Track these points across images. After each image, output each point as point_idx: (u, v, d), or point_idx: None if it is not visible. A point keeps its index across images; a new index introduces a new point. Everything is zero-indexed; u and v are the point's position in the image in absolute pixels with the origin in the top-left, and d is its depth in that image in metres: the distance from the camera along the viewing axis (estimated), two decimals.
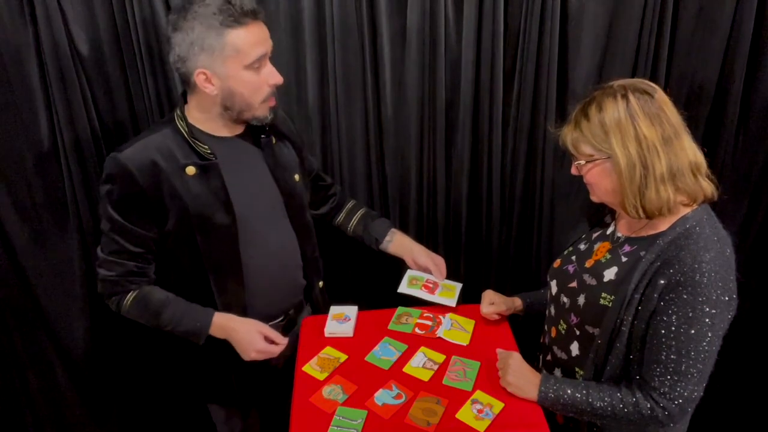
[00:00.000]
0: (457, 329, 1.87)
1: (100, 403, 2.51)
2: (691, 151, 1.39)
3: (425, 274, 1.96)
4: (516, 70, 2.20)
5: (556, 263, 1.71)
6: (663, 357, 1.37)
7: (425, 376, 1.69)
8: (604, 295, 1.48)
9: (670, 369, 1.37)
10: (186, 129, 1.66)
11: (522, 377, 1.56)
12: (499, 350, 1.69)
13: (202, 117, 1.68)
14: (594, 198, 1.53)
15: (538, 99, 2.23)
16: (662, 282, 1.37)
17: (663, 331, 1.37)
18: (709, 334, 1.35)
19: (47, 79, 1.99)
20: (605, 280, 1.50)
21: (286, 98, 2.18)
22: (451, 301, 1.88)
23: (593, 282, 1.53)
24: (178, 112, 1.69)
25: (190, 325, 1.74)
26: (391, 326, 1.90)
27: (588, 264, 1.58)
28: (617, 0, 2.07)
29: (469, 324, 1.89)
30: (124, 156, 1.60)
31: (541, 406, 1.53)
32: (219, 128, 1.71)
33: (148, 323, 1.76)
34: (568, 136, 1.45)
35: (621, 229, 1.57)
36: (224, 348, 1.79)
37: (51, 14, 1.90)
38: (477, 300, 1.96)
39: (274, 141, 1.82)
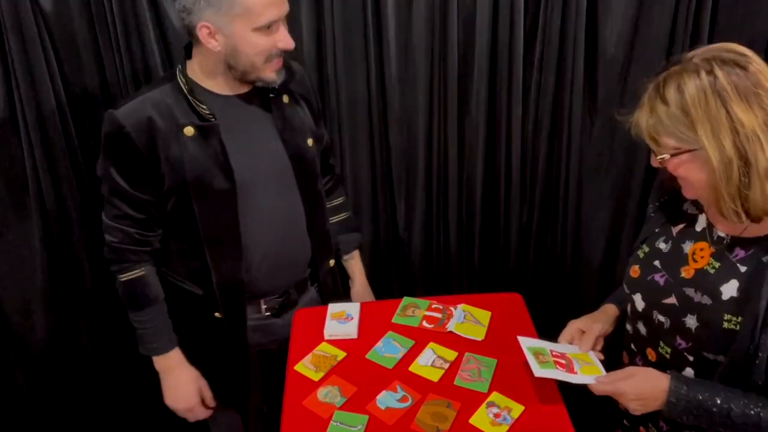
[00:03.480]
0: (470, 322, 1.85)
1: (61, 407, 2.51)
2: None
3: (539, 342, 1.74)
4: (538, 28, 2.21)
5: (634, 272, 1.58)
6: None
7: (434, 375, 1.67)
8: (727, 317, 1.36)
9: None
10: (186, 86, 1.71)
11: (644, 400, 1.45)
12: (594, 387, 1.53)
13: (204, 73, 1.73)
14: (688, 194, 1.42)
15: (564, 61, 2.22)
16: None
17: None
18: None
19: (4, 40, 1.96)
20: (725, 298, 1.37)
21: None
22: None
23: (706, 300, 1.40)
24: (180, 67, 1.75)
25: (150, 338, 1.86)
26: (395, 319, 1.89)
27: (686, 274, 1.47)
28: None
29: (484, 316, 1.87)
30: (119, 113, 1.65)
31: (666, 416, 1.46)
32: (222, 86, 1.75)
33: (126, 306, 1.85)
34: (643, 124, 1.33)
35: (722, 227, 1.44)
36: (205, 345, 1.92)
37: None
38: (493, 289, 1.99)
39: (286, 100, 1.86)
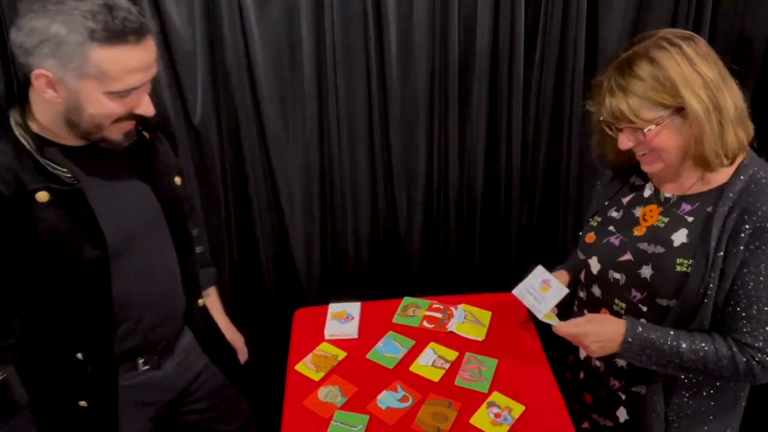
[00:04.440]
0: (471, 322, 1.85)
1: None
2: (738, 89, 1.44)
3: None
4: (539, 28, 2.19)
5: (589, 238, 1.68)
6: (754, 312, 1.41)
7: (435, 375, 1.68)
8: (679, 260, 1.48)
9: (764, 322, 1.41)
10: (31, 143, 1.40)
11: (603, 341, 1.54)
12: (557, 328, 1.61)
13: (47, 125, 1.42)
14: (655, 167, 1.51)
15: (565, 61, 2.22)
16: (748, 232, 1.40)
17: (752, 284, 1.40)
18: None
19: (4, 38, 1.88)
20: (676, 244, 1.50)
21: (277, 60, 2.14)
22: (555, 327, 1.68)
23: (659, 249, 1.52)
24: (17, 118, 1.41)
25: None
26: (396, 319, 1.89)
27: (638, 232, 1.58)
28: None
29: (484, 316, 1.88)
30: None
31: (622, 358, 1.56)
32: (73, 138, 1.44)
33: None
34: (623, 105, 1.41)
35: (668, 189, 1.58)
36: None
37: None
38: (494, 289, 1.95)
39: (147, 136, 1.61)
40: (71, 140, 1.44)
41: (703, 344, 1.45)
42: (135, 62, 1.33)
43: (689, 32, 1.44)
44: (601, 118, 1.49)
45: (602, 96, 1.46)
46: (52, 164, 1.39)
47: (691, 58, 1.38)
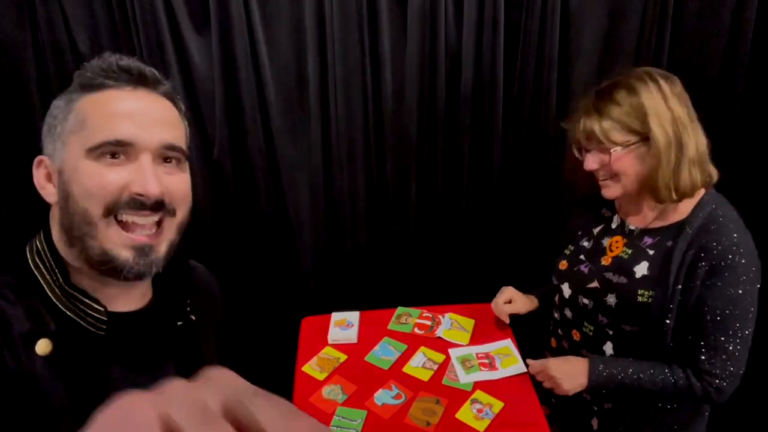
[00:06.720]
0: (456, 329, 1.89)
1: None
2: (703, 134, 1.45)
3: (467, 349, 1.80)
4: (517, 70, 2.18)
5: (562, 265, 1.70)
6: (711, 341, 1.42)
7: (425, 375, 1.71)
8: (641, 292, 1.49)
9: (720, 351, 1.41)
10: (53, 278, 0.90)
11: (570, 377, 1.57)
12: (530, 366, 1.65)
13: (69, 257, 0.93)
14: (613, 192, 1.50)
15: (538, 102, 2.20)
16: (704, 269, 1.40)
17: (709, 317, 1.40)
18: (751, 309, 1.42)
19: (48, 81, 1.98)
20: (638, 276, 1.51)
21: (287, 94, 2.16)
22: (521, 367, 1.73)
23: (623, 280, 1.53)
24: (37, 244, 0.94)
25: None
26: (390, 326, 1.93)
27: (605, 262, 1.59)
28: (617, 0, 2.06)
29: (468, 323, 1.92)
30: None
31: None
32: (102, 287, 0.94)
33: None
34: (596, 126, 1.43)
35: (632, 221, 1.58)
36: None
37: (52, 14, 1.90)
38: (478, 300, 1.98)
39: (194, 318, 1.08)
40: (103, 292, 0.94)
41: (661, 376, 1.47)
42: (125, 106, 0.90)
43: (669, 73, 1.45)
44: (576, 137, 1.50)
45: (578, 116, 1.48)
46: (81, 305, 0.91)
47: (665, 94, 1.40)
